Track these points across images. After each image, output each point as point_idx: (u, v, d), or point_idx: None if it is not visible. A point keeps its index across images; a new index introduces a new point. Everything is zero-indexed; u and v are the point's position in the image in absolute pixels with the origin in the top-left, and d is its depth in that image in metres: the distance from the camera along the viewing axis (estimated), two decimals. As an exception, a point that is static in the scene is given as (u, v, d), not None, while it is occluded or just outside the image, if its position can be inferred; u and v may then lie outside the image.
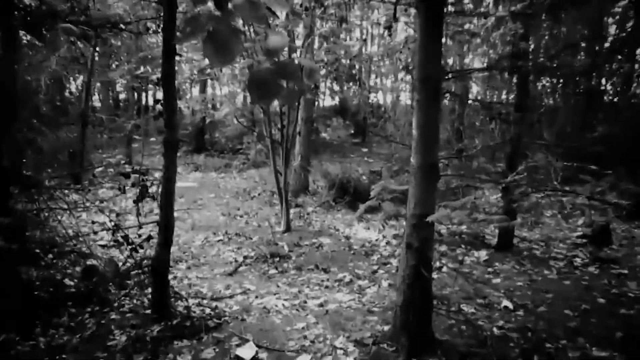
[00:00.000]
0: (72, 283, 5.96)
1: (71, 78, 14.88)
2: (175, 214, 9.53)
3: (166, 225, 5.17)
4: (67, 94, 14.91)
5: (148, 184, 5.91)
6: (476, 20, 6.62)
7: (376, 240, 7.97)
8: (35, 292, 5.38)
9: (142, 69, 13.66)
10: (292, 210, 10.02)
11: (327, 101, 24.71)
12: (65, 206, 6.76)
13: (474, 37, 5.64)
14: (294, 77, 2.05)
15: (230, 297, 5.74)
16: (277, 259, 7.13)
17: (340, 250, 7.53)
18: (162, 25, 5.03)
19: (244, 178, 14.58)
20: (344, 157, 16.57)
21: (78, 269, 6.30)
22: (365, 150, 18.25)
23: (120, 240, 5.59)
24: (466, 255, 7.11)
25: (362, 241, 7.95)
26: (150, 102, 27.83)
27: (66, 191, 12.67)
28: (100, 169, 13.93)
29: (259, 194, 11.73)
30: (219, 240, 8.16)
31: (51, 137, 14.46)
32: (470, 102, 8.24)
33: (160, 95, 5.07)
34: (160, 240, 5.13)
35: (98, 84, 19.38)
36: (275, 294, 5.80)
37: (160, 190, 5.30)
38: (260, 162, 16.39)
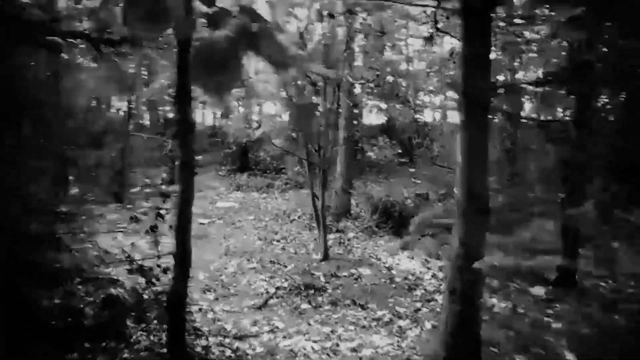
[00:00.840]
0: (91, 312, 5.60)
1: (117, 97, 14.95)
2: (210, 236, 9.17)
3: (182, 256, 4.72)
4: (111, 112, 14.93)
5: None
6: (528, 32, 5.99)
7: (420, 272, 7.32)
8: (53, 322, 5.03)
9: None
10: (332, 236, 9.49)
11: (374, 119, 24.21)
12: (101, 227, 6.46)
13: (528, 46, 5.02)
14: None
15: (256, 336, 5.23)
16: (312, 291, 6.59)
17: (380, 283, 6.93)
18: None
19: (285, 199, 14.15)
20: (389, 178, 15.94)
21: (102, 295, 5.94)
22: (412, 170, 17.55)
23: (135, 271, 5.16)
24: (521, 292, 6.37)
25: (405, 273, 7.32)
26: (199, 119, 28.15)
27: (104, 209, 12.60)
28: (136, 189, 13.80)
29: (298, 217, 11.24)
30: (252, 268, 7.69)
31: (94, 156, 14.53)
32: (523, 120, 7.50)
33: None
34: (175, 273, 4.69)
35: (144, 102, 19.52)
36: (305, 334, 5.26)
37: (175, 218, 4.86)
38: (303, 183, 15.98)
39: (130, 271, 5.17)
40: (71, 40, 5.94)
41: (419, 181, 15.69)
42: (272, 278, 7.19)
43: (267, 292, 6.60)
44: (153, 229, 4.98)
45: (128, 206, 13.20)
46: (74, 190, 14.71)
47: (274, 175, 17.89)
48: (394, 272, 7.41)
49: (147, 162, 18.11)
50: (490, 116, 3.39)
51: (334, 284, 6.92)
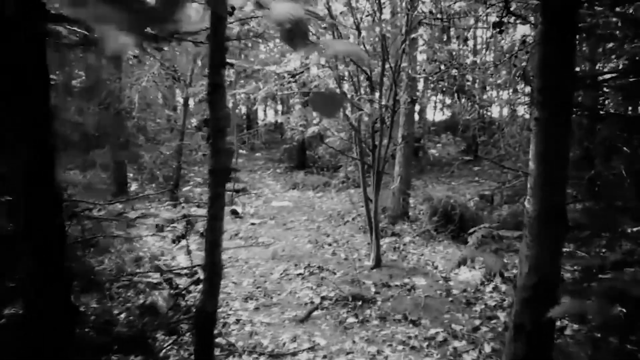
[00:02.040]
0: (126, 321, 5.29)
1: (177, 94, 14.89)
2: (260, 238, 8.78)
3: (212, 270, 4.25)
4: (170, 111, 14.90)
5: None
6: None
7: (481, 284, 6.60)
8: (87, 329, 4.74)
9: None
10: (387, 240, 8.90)
11: (438, 115, 23.28)
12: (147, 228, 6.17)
13: (615, 31, 4.24)
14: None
15: (294, 354, 4.74)
16: (360, 302, 6.03)
17: (435, 296, 6.28)
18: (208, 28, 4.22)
19: (341, 198, 13.62)
20: (451, 177, 15.10)
21: (141, 301, 5.64)
22: (476, 169, 16.62)
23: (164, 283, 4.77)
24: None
25: (464, 284, 6.62)
26: (261, 116, 28.06)
27: (157, 208, 12.52)
28: (186, 188, 13.65)
29: (353, 219, 10.69)
30: (299, 274, 7.22)
31: (152, 153, 14.52)
32: (603, 114, 6.62)
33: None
34: (204, 287, 4.24)
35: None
36: (348, 354, 4.73)
37: (205, 229, 4.42)
38: (368, 180, 15.40)
39: (156, 284, 4.79)
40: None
41: (483, 180, 14.83)
42: (319, 286, 6.69)
43: (312, 303, 6.10)
44: (179, 239, 4.53)
45: (182, 205, 13.09)
46: (133, 187, 14.66)
47: (332, 174, 17.41)
48: (451, 283, 6.73)
49: (202, 161, 18.11)
50: (571, 114, 2.74)
51: (384, 294, 6.33)
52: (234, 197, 12.87)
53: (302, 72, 6.60)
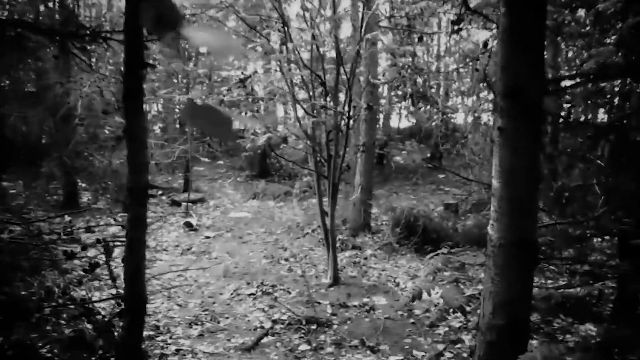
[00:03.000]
0: (49, 355, 4.68)
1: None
2: (213, 253, 8.20)
3: (133, 302, 3.72)
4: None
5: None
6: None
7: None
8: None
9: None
10: (347, 253, 8.45)
11: (402, 122, 23.03)
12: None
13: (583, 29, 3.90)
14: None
15: (235, 392, 4.23)
16: (314, 326, 5.54)
17: (396, 317, 5.83)
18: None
19: (303, 208, 13.11)
20: (416, 185, 14.78)
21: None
22: (442, 177, 16.35)
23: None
24: (569, 332, 5.23)
25: (427, 303, 6.18)
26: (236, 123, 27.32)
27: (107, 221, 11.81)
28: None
29: (313, 230, 10.20)
30: (250, 294, 6.69)
31: (101, 163, 13.76)
32: (571, 122, 6.33)
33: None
34: (125, 322, 3.70)
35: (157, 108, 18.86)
36: (297, 390, 4.24)
37: (124, 255, 3.86)
38: (324, 191, 14.97)
39: (73, 317, 4.21)
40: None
41: (448, 188, 14.57)
42: (271, 308, 6.17)
43: (262, 327, 5.58)
44: (91, 269, 3.95)
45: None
46: (85, 199, 13.78)
47: (294, 182, 16.90)
48: (414, 303, 6.29)
49: (164, 169, 17.38)
50: (543, 122, 2.32)
51: (341, 316, 5.86)
52: (188, 209, 12.24)
53: (250, 76, 6.11)
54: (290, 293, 6.69)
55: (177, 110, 17.48)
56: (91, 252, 8.63)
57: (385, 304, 6.23)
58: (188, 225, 11.07)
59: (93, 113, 11.78)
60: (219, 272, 7.68)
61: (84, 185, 15.02)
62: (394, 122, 22.37)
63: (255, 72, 6.14)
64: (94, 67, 10.19)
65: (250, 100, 6.33)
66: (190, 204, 13.16)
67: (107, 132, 14.62)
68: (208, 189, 16.88)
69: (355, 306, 6.15)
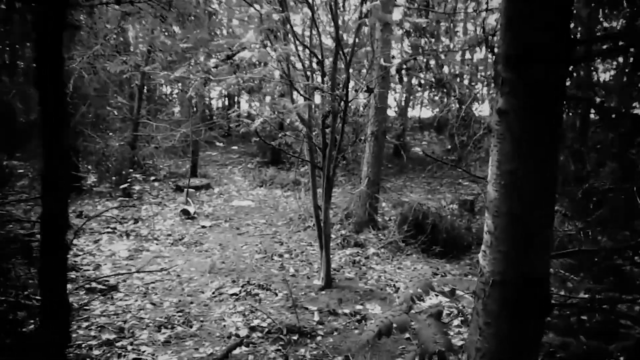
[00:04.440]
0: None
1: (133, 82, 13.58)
2: (205, 244, 7.59)
3: (50, 311, 3.08)
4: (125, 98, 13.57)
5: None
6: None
7: (450, 313, 5.47)
8: None
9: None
10: (347, 251, 7.77)
11: (424, 112, 22.17)
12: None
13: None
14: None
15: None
16: (295, 337, 4.88)
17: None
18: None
19: (309, 199, 12.42)
20: (433, 179, 13.97)
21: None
22: (460, 170, 15.49)
23: None
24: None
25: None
26: (245, 107, 26.71)
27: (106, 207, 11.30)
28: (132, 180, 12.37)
29: (314, 225, 9.51)
30: (233, 295, 6.05)
31: (101, 145, 13.25)
32: (598, 109, 5.45)
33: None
34: (39, 333, 3.07)
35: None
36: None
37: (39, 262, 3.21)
38: (319, 183, 14.23)
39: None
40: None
41: (467, 183, 13.77)
42: (253, 312, 5.52)
43: (237, 336, 4.93)
44: None
45: (133, 203, 11.88)
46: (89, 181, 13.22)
47: (304, 172, 16.22)
48: (413, 311, 5.57)
49: (158, 153, 16.83)
50: (562, 102, 1.57)
51: (328, 326, 5.18)
52: (189, 195, 11.65)
53: (237, 52, 5.41)
54: (277, 295, 6.03)
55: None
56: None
57: (380, 312, 5.52)
58: (185, 213, 10.49)
59: (84, 92, 11.22)
60: (205, 267, 7.06)
61: (88, 167, 14.62)
62: (414, 112, 21.55)
63: (244, 48, 5.42)
64: (86, 44, 9.60)
65: (239, 80, 5.61)
66: (192, 190, 12.56)
67: (113, 112, 14.15)
68: (216, 175, 16.31)
69: (345, 314, 5.45)
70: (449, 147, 17.76)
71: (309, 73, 6.10)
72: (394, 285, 6.40)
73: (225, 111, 25.42)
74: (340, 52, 5.67)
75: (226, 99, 26.55)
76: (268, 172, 15.94)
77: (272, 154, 18.09)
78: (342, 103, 5.78)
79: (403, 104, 17.23)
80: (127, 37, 11.35)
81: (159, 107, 18.28)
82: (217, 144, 19.24)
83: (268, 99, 18.74)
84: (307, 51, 6.03)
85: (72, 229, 9.05)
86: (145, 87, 13.67)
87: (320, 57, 5.68)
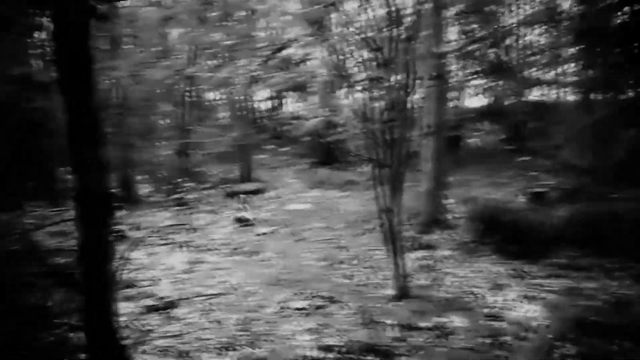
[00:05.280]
0: None
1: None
2: (264, 253, 7.17)
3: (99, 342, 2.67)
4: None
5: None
6: None
7: (547, 326, 4.83)
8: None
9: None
10: (416, 254, 7.21)
11: (475, 101, 21.18)
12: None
13: None
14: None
15: None
16: (372, 357, 4.37)
17: (479, 344, 4.54)
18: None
19: (368, 199, 11.87)
20: (494, 171, 13.15)
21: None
22: (522, 160, 14.55)
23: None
24: None
25: (519, 327, 4.84)
26: (290, 109, 26.39)
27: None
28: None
29: (376, 226, 8.96)
30: (300, 309, 5.59)
31: (146, 154, 13.12)
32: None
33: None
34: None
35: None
36: None
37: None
38: (385, 182, 13.61)
39: None
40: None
41: (534, 173, 12.90)
42: (325, 328, 5.04)
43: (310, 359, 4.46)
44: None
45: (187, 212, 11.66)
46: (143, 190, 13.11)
47: (361, 170, 15.66)
48: (502, 323, 4.97)
49: (220, 158, 16.63)
50: None
51: (409, 343, 4.64)
52: (244, 201, 11.34)
53: (284, 47, 4.97)
54: (346, 308, 5.54)
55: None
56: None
57: (464, 325, 4.94)
58: (240, 220, 10.16)
59: (131, 102, 11.05)
60: (266, 278, 6.66)
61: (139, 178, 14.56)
62: (466, 101, 20.63)
63: (294, 39, 4.97)
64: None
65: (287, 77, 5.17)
66: (246, 195, 12.26)
67: (161, 121, 14.05)
68: (267, 178, 16.00)
69: (427, 329, 4.89)
70: (506, 136, 16.82)
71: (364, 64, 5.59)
72: (475, 292, 5.79)
73: (272, 113, 25.22)
74: (398, 38, 5.14)
75: (272, 101, 26.35)
76: (321, 173, 15.51)
77: (324, 154, 17.64)
78: (405, 93, 5.25)
79: (458, 93, 16.45)
80: (169, 43, 11.14)
81: (206, 113, 18.16)
82: (267, 147, 18.97)
83: (315, 97, 18.34)
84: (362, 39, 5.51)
85: (126, 240, 8.87)
86: (191, 94, 13.49)
87: (376, 45, 5.16)
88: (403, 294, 5.67)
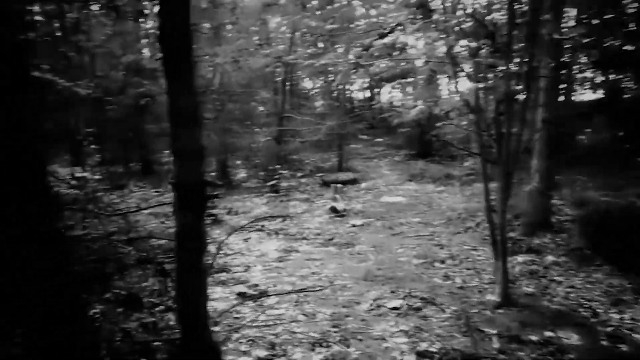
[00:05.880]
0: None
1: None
2: (358, 245, 7.01)
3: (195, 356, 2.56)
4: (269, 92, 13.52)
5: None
6: None
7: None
8: None
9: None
10: (520, 258, 6.72)
11: (586, 94, 19.68)
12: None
13: None
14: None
15: None
16: (474, 369, 4.04)
17: (597, 368, 4.07)
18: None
19: (466, 195, 11.35)
20: (609, 171, 12.08)
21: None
22: (641, 160, 13.29)
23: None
24: None
25: (643, 346, 4.31)
26: (384, 98, 26.02)
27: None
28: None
29: (477, 224, 8.49)
30: (394, 309, 5.32)
31: (249, 141, 13.29)
32: None
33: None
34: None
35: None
36: None
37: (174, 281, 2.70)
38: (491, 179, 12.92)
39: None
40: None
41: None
42: (420, 332, 4.75)
43: (403, 364, 4.21)
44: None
45: (280, 198, 11.70)
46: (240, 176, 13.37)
47: (459, 163, 15.06)
48: (621, 346, 4.44)
49: (316, 146, 16.60)
50: None
51: (513, 357, 4.25)
52: (337, 191, 11.19)
53: (391, 31, 4.67)
54: (444, 311, 5.20)
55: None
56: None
57: (579, 343, 4.46)
58: (334, 210, 10.03)
59: (229, 88, 11.19)
60: (360, 273, 6.45)
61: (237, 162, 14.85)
62: (578, 94, 19.22)
63: (398, 24, 4.67)
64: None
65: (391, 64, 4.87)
66: (340, 185, 12.12)
67: (259, 107, 14.21)
68: (362, 168, 15.80)
69: (533, 343, 4.46)
70: (624, 134, 15.43)
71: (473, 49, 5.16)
72: (590, 305, 5.25)
73: (368, 103, 24.92)
74: (514, 21, 4.68)
75: (370, 90, 26.06)
76: (417, 165, 15.09)
77: (420, 146, 17.18)
78: (522, 84, 4.79)
79: (570, 85, 15.33)
80: (268, 30, 11.16)
81: (303, 101, 18.20)
82: (362, 136, 18.75)
83: (416, 86, 17.79)
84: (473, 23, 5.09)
85: (221, 225, 8.96)
86: (289, 81, 13.51)
87: (490, 28, 4.74)
88: (507, 301, 5.23)
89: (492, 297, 5.40)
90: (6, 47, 2.51)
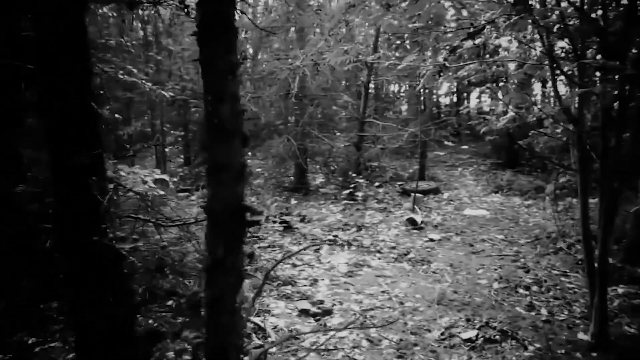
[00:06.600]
0: None
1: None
2: (434, 262, 6.50)
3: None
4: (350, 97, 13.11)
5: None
6: None
7: None
8: None
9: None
10: (620, 290, 5.87)
11: None
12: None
13: None
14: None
15: None
16: None
17: None
18: None
19: (557, 211, 10.33)
20: None
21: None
22: None
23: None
24: None
25: None
26: (473, 104, 24.90)
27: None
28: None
29: (569, 246, 7.61)
30: (468, 341, 4.73)
31: (328, 146, 12.93)
32: None
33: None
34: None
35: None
36: None
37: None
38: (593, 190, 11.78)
39: None
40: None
41: None
42: (495, 371, 4.15)
43: (475, 410, 3.64)
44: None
45: (357, 205, 11.25)
46: (317, 181, 13.08)
47: (550, 176, 13.89)
48: None
49: (396, 153, 16.04)
50: None
51: (610, 415, 3.56)
52: (416, 202, 10.58)
53: (477, 31, 4.11)
54: (526, 348, 4.54)
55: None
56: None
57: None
58: (412, 222, 9.44)
59: (310, 91, 10.87)
60: (432, 295, 5.88)
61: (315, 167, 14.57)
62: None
63: (491, 21, 4.09)
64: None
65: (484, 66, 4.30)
66: (420, 195, 11.49)
67: (340, 112, 13.85)
68: (445, 177, 15.05)
69: (636, 399, 3.75)
70: None
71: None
72: None
73: (454, 108, 23.96)
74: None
75: (456, 94, 25.07)
76: (504, 176, 14.14)
77: (508, 155, 16.15)
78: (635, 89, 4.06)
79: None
80: (351, 30, 10.76)
81: (386, 105, 17.65)
82: (446, 143, 17.97)
83: (507, 92, 16.74)
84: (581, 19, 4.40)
85: (291, 232, 8.63)
86: (372, 85, 13.03)
87: (601, 24, 4.05)
88: (603, 342, 4.48)
89: (585, 337, 4.66)
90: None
